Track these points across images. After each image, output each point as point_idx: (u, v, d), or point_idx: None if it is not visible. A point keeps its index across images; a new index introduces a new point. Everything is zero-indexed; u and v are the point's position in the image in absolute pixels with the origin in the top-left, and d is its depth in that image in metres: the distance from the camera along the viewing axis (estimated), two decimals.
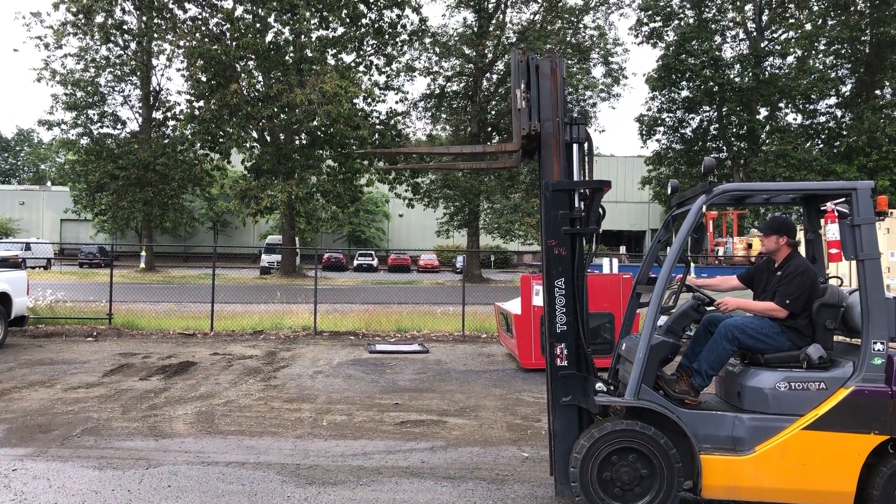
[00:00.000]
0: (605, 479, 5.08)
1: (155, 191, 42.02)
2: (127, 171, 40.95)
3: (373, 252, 56.54)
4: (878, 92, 38.88)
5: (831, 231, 5.21)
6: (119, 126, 45.27)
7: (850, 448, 4.96)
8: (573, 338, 5.40)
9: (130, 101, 45.74)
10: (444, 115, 44.05)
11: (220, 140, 37.37)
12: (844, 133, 39.05)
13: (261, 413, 8.66)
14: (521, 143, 5.57)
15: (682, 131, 43.38)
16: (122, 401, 9.15)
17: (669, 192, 6.07)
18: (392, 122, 39.60)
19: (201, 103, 37.18)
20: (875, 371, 5.00)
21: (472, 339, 15.70)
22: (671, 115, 43.17)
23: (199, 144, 38.97)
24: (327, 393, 9.89)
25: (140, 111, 45.07)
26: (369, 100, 38.59)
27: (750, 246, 32.33)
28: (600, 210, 5.57)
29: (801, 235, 6.49)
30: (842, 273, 6.55)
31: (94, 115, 44.27)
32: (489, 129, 43.55)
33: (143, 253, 44.54)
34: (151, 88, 44.59)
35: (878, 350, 5.01)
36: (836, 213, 5.19)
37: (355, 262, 53.54)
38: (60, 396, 9.33)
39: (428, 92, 43.56)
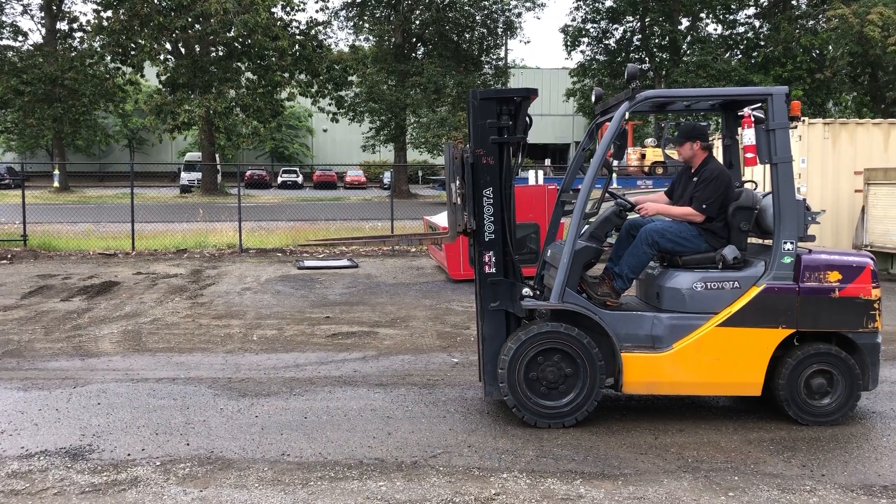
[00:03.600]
0: (532, 379, 5.28)
1: (64, 107, 39.84)
2: (33, 86, 38.60)
3: (297, 168, 55.48)
4: (794, 2, 39.53)
5: (747, 136, 5.36)
6: (20, 38, 42.44)
7: (760, 342, 5.28)
8: (501, 246, 5.49)
9: (31, 10, 42.85)
10: (366, 25, 42.81)
11: (132, 52, 35.57)
12: (762, 43, 39.79)
13: (189, 330, 8.60)
14: (456, 237, 5.67)
15: (606, 42, 43.42)
16: (44, 322, 8.94)
17: (594, 100, 6.13)
18: (313, 32, 38.30)
19: (109, 13, 35.15)
20: (785, 269, 5.28)
21: (401, 254, 15.80)
22: (595, 25, 43.06)
23: (109, 57, 37.02)
24: (256, 309, 9.87)
25: (43, 21, 42.28)
26: (288, 8, 37.14)
27: (643, 156, 33.08)
28: (527, 119, 5.60)
29: (719, 143, 6.67)
30: (756, 178, 6.80)
31: None
32: (414, 39, 42.65)
33: (56, 172, 42.59)
34: None
35: (788, 250, 5.28)
36: (753, 119, 5.34)
37: (279, 180, 52.46)
38: None
39: (349, 0, 42.14)
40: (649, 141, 33.71)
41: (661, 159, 32.11)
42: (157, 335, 8.33)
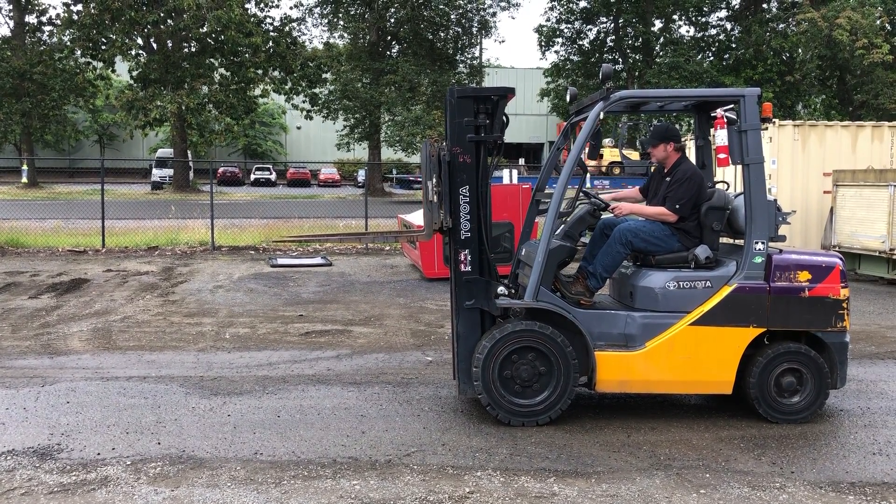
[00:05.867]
0: (506, 377, 5.29)
1: (33, 102, 39.18)
2: (0, 80, 38.01)
3: (270, 166, 55.08)
4: (764, 6, 40.03)
5: (720, 137, 5.42)
6: None
7: (731, 341, 5.33)
8: (476, 244, 5.50)
9: None
10: (341, 23, 42.61)
11: (103, 47, 35.08)
12: (733, 46, 40.25)
13: (160, 328, 8.51)
14: (432, 235, 5.66)
15: (580, 42, 43.66)
16: (12, 320, 8.79)
17: (568, 99, 6.16)
18: (286, 28, 38.07)
19: (80, 7, 34.67)
20: (756, 269, 5.34)
21: (375, 252, 15.76)
22: (569, 25, 43.29)
23: (79, 52, 36.47)
24: (229, 307, 9.78)
25: (11, 14, 41.56)
26: (262, 5, 36.83)
27: (601, 156, 33.25)
28: (504, 118, 5.61)
29: (691, 143, 6.72)
30: (728, 178, 6.91)
31: None
32: (388, 38, 42.52)
33: (25, 168, 41.86)
34: None
35: (759, 249, 5.34)
36: (725, 120, 5.39)
37: (252, 177, 52.06)
38: None
39: None
40: (607, 141, 33.89)
41: (619, 159, 32.28)
42: (128, 333, 8.23)
